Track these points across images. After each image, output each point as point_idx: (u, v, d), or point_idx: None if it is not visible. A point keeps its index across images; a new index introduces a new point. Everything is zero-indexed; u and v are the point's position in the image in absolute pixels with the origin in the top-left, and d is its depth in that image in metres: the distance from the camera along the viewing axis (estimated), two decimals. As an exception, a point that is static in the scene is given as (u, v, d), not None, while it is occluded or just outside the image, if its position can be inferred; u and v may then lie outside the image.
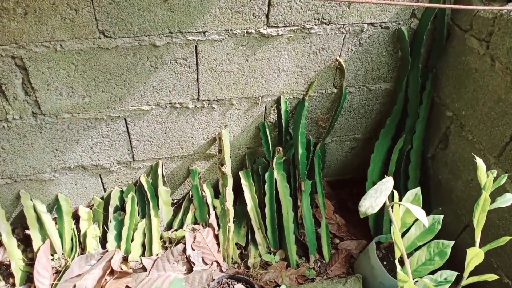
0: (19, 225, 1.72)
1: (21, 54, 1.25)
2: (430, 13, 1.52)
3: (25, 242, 1.69)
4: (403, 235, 0.97)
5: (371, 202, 0.81)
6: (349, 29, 1.49)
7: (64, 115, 1.43)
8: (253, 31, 1.39)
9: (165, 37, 1.33)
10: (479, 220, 0.93)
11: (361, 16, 1.47)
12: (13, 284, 1.59)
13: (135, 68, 1.38)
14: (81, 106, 1.42)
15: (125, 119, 1.52)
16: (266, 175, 1.71)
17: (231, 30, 1.38)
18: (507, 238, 0.90)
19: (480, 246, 0.93)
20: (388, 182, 0.83)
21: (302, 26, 1.43)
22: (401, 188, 1.72)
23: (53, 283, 1.56)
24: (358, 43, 1.54)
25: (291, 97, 1.64)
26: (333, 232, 1.83)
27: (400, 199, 1.72)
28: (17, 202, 1.66)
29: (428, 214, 1.61)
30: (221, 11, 1.32)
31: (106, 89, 1.40)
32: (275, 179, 1.71)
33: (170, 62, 1.40)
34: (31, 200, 1.64)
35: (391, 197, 0.89)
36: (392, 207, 0.87)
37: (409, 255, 0.99)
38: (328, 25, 1.46)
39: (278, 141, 1.76)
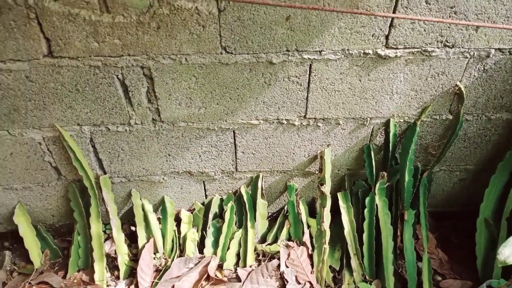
0: (126, 221, 1.86)
1: (150, 65, 1.35)
2: None
3: (130, 238, 1.82)
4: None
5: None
6: (473, 53, 1.39)
7: (180, 124, 1.52)
8: (370, 51, 1.36)
9: (282, 55, 1.35)
10: None
11: (489, 41, 1.36)
12: (117, 277, 1.71)
13: (250, 84, 1.42)
14: (196, 116, 1.50)
15: (233, 131, 1.57)
16: (367, 199, 1.65)
17: (347, 50, 1.36)
18: None
19: None
20: (532, 228, 0.75)
21: (423, 48, 1.37)
22: (519, 229, 1.56)
23: (153, 281, 1.65)
24: (482, 68, 1.43)
25: (402, 120, 1.57)
26: (434, 268, 1.70)
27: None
28: (127, 200, 1.79)
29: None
30: (340, 30, 1.31)
31: (221, 102, 1.46)
32: (376, 205, 1.64)
33: (283, 80, 1.42)
34: (140, 199, 1.76)
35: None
36: (532, 256, 0.78)
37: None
38: (451, 48, 1.37)
39: (382, 165, 1.69)
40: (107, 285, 1.68)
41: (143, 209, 1.75)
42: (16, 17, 1.18)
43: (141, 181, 1.72)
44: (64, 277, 1.72)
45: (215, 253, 1.71)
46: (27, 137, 1.49)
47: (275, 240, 1.76)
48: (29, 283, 1.71)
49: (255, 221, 1.76)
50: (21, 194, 1.71)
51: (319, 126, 1.58)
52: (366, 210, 1.65)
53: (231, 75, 1.39)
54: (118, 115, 1.47)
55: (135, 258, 1.75)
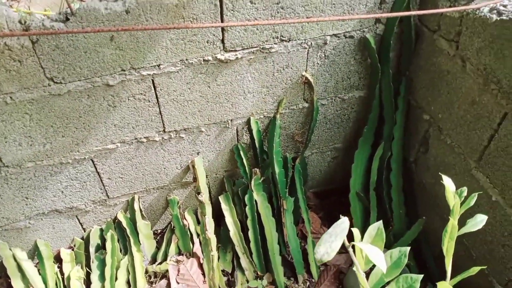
0: (2, 275, 1.69)
1: (-29, 111, 1.21)
2: (395, 17, 1.46)
3: (10, 291, 1.67)
4: (371, 270, 0.92)
5: (326, 248, 0.76)
6: (311, 43, 1.43)
7: (27, 164, 1.39)
8: (210, 58, 1.35)
9: (118, 75, 1.29)
10: (448, 249, 0.88)
11: (322, 29, 1.41)
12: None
13: (93, 110, 1.34)
14: (43, 153, 1.38)
15: (92, 160, 1.48)
16: (246, 197, 1.67)
17: (186, 60, 1.33)
18: (477, 268, 0.85)
19: (452, 276, 0.89)
20: (343, 224, 0.78)
21: (261, 46, 1.38)
22: (384, 197, 1.67)
23: (39, 332, 1.53)
24: (323, 55, 1.48)
25: (262, 116, 1.59)
26: (321, 247, 1.78)
27: (380, 216, 1.68)
28: (-4, 252, 1.64)
29: (414, 222, 1.56)
30: (173, 42, 1.27)
31: (66, 134, 1.36)
32: (255, 201, 1.66)
33: (128, 99, 1.36)
34: (10, 249, 1.61)
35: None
36: (353, 248, 0.82)
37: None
38: (288, 42, 1.40)
39: (255, 161, 1.71)
40: None
41: (15, 259, 1.61)
42: None
43: (6, 231, 1.57)
44: None
45: (103, 286, 1.63)
46: None
47: (165, 258, 1.72)
48: None
49: (141, 244, 1.69)
50: None
51: (183, 137, 1.54)
52: (247, 208, 1.67)
53: (68, 104, 1.30)
54: (-51, 170, 1.31)
55: (16, 312, 1.61)
